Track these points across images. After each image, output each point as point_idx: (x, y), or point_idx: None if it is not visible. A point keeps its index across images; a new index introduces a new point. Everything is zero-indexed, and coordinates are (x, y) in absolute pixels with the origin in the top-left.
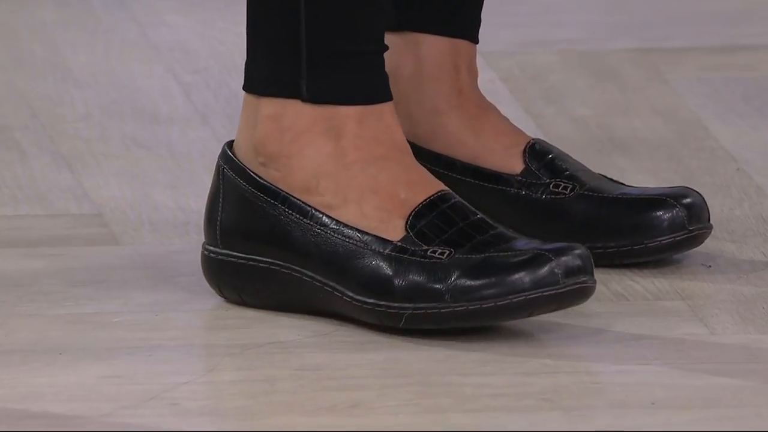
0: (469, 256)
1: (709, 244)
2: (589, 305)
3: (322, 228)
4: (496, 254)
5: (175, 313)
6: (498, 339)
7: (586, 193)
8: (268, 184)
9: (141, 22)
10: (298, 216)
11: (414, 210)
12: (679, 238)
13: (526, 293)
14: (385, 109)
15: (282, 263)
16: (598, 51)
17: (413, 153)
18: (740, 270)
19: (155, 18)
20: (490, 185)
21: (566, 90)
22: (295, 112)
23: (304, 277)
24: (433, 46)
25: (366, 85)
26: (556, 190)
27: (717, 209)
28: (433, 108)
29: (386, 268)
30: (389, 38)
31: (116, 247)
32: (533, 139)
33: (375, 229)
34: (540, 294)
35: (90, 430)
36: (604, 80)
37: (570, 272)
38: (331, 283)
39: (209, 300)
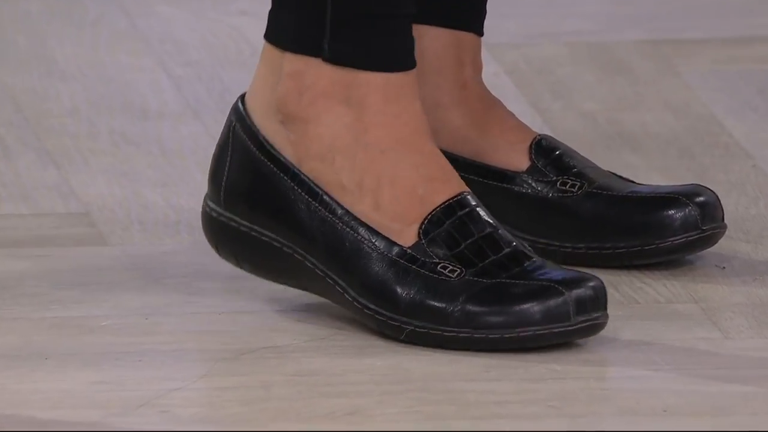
0: (480, 279)
1: (723, 245)
2: None
3: (331, 215)
4: (507, 281)
5: (165, 316)
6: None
7: (594, 191)
8: (280, 156)
9: (130, 13)
10: (307, 197)
11: (429, 215)
12: (691, 238)
13: (536, 328)
14: (409, 79)
15: (285, 242)
16: (607, 43)
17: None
18: (756, 271)
19: (145, 8)
20: (495, 183)
21: (574, 84)
22: (316, 72)
23: (307, 263)
24: (436, 38)
25: (391, 49)
26: (564, 188)
27: (731, 208)
28: (435, 103)
29: (392, 276)
30: None
31: (104, 248)
32: (540, 135)
33: (387, 229)
34: (550, 330)
35: None
36: (613, 73)
37: (582, 308)
38: (334, 276)
39: (201, 303)
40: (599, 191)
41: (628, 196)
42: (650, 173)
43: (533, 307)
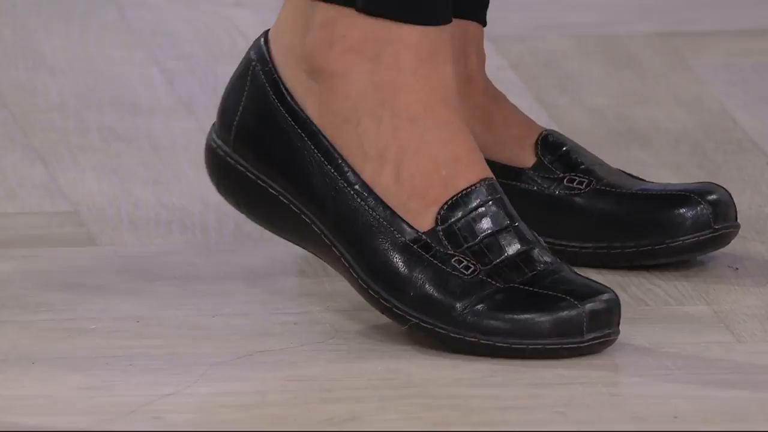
0: (492, 282)
1: (736, 245)
2: None
3: (346, 186)
4: (520, 287)
5: (157, 319)
6: None
7: (602, 188)
8: (300, 110)
9: (120, 4)
10: (323, 160)
11: (451, 199)
12: (703, 237)
13: (546, 341)
14: (444, 38)
15: (294, 200)
16: (616, 35)
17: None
18: None
19: None
20: (500, 179)
21: (581, 78)
22: (348, 22)
23: (314, 227)
24: None
25: (428, 1)
26: (571, 185)
27: (745, 207)
28: None
29: (403, 262)
30: None
31: (94, 248)
32: (546, 130)
33: (404, 208)
34: (560, 345)
35: None
36: (622, 67)
37: (595, 324)
38: (341, 249)
39: (195, 305)
40: (607, 189)
41: (637, 194)
42: (660, 170)
43: (545, 321)
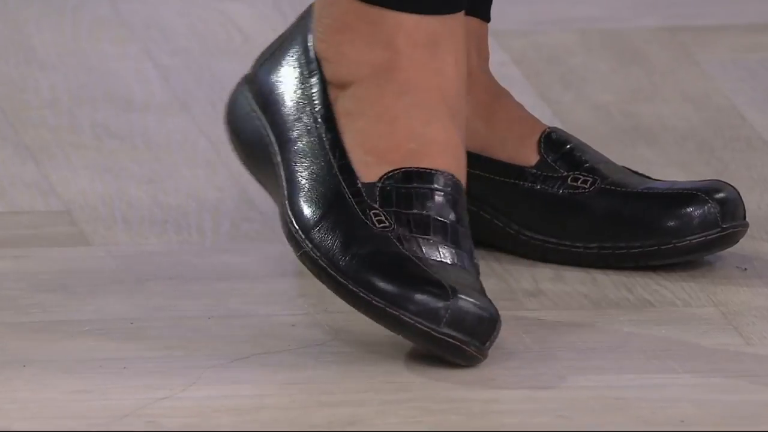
0: (397, 243)
1: (744, 244)
2: (612, 312)
3: (318, 125)
4: (415, 259)
5: (152, 321)
6: (509, 350)
7: (607, 187)
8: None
9: None
10: (313, 102)
11: (405, 169)
12: (711, 237)
13: (403, 312)
14: (448, 27)
15: (268, 131)
16: (621, 30)
17: None
18: None
19: None
20: (502, 178)
21: (586, 74)
22: (345, 8)
23: (270, 148)
24: None
25: None
26: (575, 184)
27: (754, 205)
28: None
29: (327, 198)
30: None
31: (87, 248)
32: (549, 127)
33: (358, 158)
34: (415, 323)
35: None
36: (628, 63)
37: (457, 325)
38: (282, 169)
39: (190, 306)
40: (613, 188)
41: (643, 193)
42: (667, 168)
43: (410, 296)
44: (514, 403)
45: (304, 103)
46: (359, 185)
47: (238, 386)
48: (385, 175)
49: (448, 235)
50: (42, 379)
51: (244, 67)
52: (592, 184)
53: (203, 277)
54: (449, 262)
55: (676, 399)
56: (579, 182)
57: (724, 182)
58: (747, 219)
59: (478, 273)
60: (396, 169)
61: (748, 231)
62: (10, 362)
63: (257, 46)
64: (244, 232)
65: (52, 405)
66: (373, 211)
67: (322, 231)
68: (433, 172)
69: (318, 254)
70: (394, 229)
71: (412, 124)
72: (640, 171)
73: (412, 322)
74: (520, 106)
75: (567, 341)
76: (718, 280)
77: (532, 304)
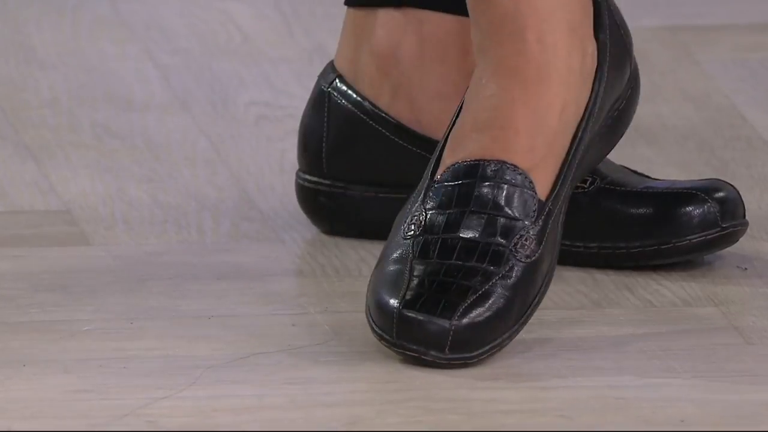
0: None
1: (744, 244)
2: (612, 312)
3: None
4: (406, 268)
5: (152, 320)
6: (510, 350)
7: (607, 186)
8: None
9: None
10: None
11: (456, 164)
12: (711, 236)
13: (373, 323)
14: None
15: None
16: None
17: (413, 141)
18: None
19: None
20: None
21: None
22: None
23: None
24: (439, 24)
25: None
26: None
27: (754, 205)
28: (438, 93)
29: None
30: (388, 14)
31: (87, 248)
32: None
33: (442, 157)
34: (379, 336)
35: None
36: None
37: (404, 334)
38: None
39: (190, 306)
40: (612, 187)
41: (642, 192)
42: (667, 168)
43: (375, 309)
44: (514, 402)
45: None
46: (426, 185)
47: (238, 386)
48: (443, 172)
49: (482, 228)
50: (42, 379)
51: (245, 67)
52: (592, 183)
53: (203, 276)
54: (465, 263)
55: (676, 399)
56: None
57: (724, 181)
58: (747, 218)
59: (508, 263)
60: (450, 166)
61: (748, 230)
62: (10, 362)
63: (257, 45)
64: (244, 231)
65: (52, 404)
66: (412, 216)
67: (388, 238)
68: (479, 162)
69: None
70: (419, 235)
71: (476, 110)
72: (640, 170)
73: (377, 334)
74: None
75: (567, 341)
76: (718, 280)
77: None
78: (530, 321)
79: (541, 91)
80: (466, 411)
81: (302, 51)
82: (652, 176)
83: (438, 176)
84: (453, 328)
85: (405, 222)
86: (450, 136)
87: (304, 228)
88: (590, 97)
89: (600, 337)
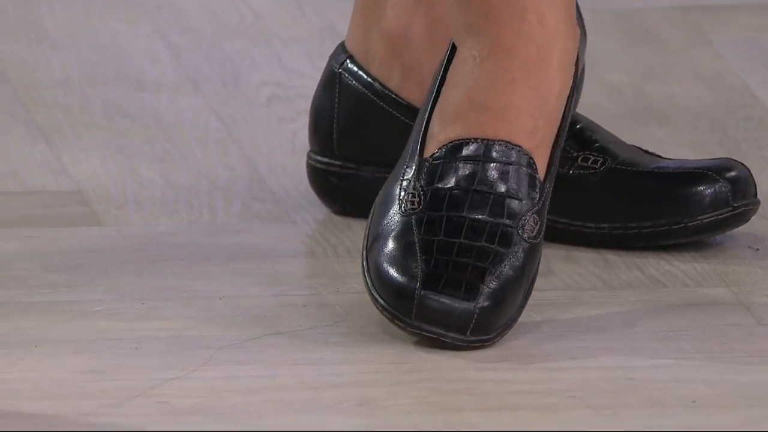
0: (415, 229)
1: (756, 223)
2: (623, 292)
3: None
4: (416, 241)
5: (163, 301)
6: (520, 331)
7: (618, 167)
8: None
9: None
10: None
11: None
12: (722, 216)
13: (384, 304)
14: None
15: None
16: (633, 9)
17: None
18: None
19: None
20: None
21: (598, 53)
22: None
23: None
24: (449, 6)
25: None
26: (585, 164)
27: (765, 185)
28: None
29: (389, 177)
30: None
31: (98, 228)
32: None
33: (430, 130)
34: (392, 317)
35: (69, 430)
36: (640, 42)
37: (424, 316)
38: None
39: (201, 287)
40: (623, 167)
41: (653, 172)
42: (679, 148)
43: (392, 283)
44: (525, 383)
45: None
46: (416, 162)
47: (249, 366)
48: (438, 149)
49: (489, 208)
50: (53, 359)
51: (256, 46)
52: (603, 163)
53: (214, 257)
54: (467, 242)
55: (687, 379)
56: (589, 162)
57: (735, 161)
58: (759, 198)
59: (517, 246)
60: (448, 143)
61: (760, 210)
62: (21, 342)
63: (268, 25)
64: (255, 211)
65: (64, 385)
66: (410, 192)
67: (375, 214)
68: (481, 141)
69: (365, 237)
70: (420, 210)
71: (473, 89)
72: (652, 150)
73: (391, 316)
74: None
75: (578, 322)
76: (729, 260)
77: (544, 284)
78: (541, 302)
79: (542, 73)
80: (478, 392)
81: (314, 31)
82: (664, 156)
83: (434, 152)
84: (477, 311)
85: (400, 198)
86: (438, 112)
87: (316, 209)
88: (573, 80)
89: (611, 318)
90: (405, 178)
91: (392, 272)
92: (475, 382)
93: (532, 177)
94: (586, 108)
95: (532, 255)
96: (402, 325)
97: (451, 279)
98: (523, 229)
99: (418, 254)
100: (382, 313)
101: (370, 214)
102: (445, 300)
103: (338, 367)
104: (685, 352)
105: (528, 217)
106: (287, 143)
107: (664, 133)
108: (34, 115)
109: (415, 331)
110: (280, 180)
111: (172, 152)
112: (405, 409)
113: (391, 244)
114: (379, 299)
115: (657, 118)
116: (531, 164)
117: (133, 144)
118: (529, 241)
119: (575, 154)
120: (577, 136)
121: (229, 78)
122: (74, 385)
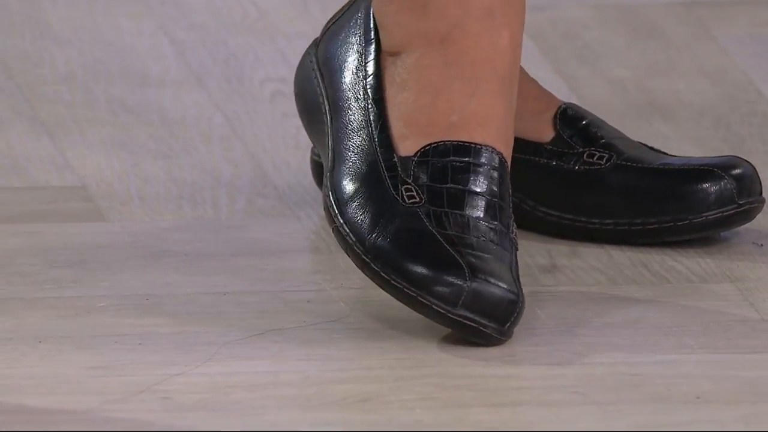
0: (424, 220)
1: (761, 220)
2: (628, 288)
3: (365, 94)
4: (438, 236)
5: (167, 297)
6: (524, 327)
7: (623, 163)
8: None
9: None
10: (361, 62)
11: (442, 142)
12: (727, 213)
13: (420, 292)
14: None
15: (324, 99)
16: (637, 4)
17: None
18: None
19: None
20: (517, 154)
21: (602, 49)
22: None
23: (325, 119)
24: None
25: None
26: (591, 160)
27: None
28: None
29: (364, 172)
30: None
31: (102, 224)
32: (565, 103)
33: (398, 131)
34: (431, 305)
35: (73, 427)
36: (644, 38)
37: (473, 305)
38: (330, 145)
39: (205, 282)
40: (628, 163)
41: (659, 169)
42: (683, 144)
43: (428, 275)
44: (529, 379)
45: (358, 72)
46: (395, 159)
47: (253, 362)
48: (422, 149)
49: (484, 210)
50: (57, 355)
51: (260, 42)
52: (608, 160)
53: (218, 253)
54: (482, 239)
55: (691, 375)
56: (595, 158)
57: (741, 158)
58: (763, 195)
59: (515, 249)
60: (434, 143)
61: (765, 207)
62: (25, 338)
63: (272, 21)
64: (259, 207)
65: (68, 381)
66: (405, 186)
67: (354, 206)
68: (471, 145)
69: (347, 230)
70: (424, 204)
71: (454, 97)
72: (656, 146)
73: (429, 303)
74: (535, 82)
75: (583, 317)
76: (734, 256)
77: (548, 280)
78: (546, 298)
79: (514, 85)
80: (482, 387)
81: (318, 27)
82: (669, 152)
83: (415, 151)
84: (520, 303)
85: (394, 190)
86: (409, 114)
87: (319, 204)
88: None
89: (615, 314)
90: (389, 173)
91: (427, 261)
92: (480, 377)
93: (509, 183)
94: (590, 104)
95: (516, 256)
96: (442, 311)
97: (494, 270)
98: (513, 232)
99: (443, 243)
100: (404, 299)
101: (331, 159)
102: (495, 290)
103: (342, 363)
104: (690, 348)
105: (513, 222)
106: (291, 139)
107: (668, 129)
108: (38, 111)
109: (458, 318)
110: (284, 176)
111: (175, 148)
112: (409, 404)
113: (399, 233)
114: (404, 288)
115: (661, 113)
116: (508, 170)
117: (137, 140)
118: (514, 241)
119: (581, 150)
120: (582, 133)
121: (233, 74)
122: (78, 381)
